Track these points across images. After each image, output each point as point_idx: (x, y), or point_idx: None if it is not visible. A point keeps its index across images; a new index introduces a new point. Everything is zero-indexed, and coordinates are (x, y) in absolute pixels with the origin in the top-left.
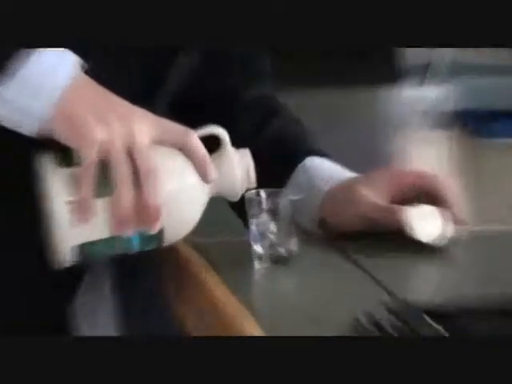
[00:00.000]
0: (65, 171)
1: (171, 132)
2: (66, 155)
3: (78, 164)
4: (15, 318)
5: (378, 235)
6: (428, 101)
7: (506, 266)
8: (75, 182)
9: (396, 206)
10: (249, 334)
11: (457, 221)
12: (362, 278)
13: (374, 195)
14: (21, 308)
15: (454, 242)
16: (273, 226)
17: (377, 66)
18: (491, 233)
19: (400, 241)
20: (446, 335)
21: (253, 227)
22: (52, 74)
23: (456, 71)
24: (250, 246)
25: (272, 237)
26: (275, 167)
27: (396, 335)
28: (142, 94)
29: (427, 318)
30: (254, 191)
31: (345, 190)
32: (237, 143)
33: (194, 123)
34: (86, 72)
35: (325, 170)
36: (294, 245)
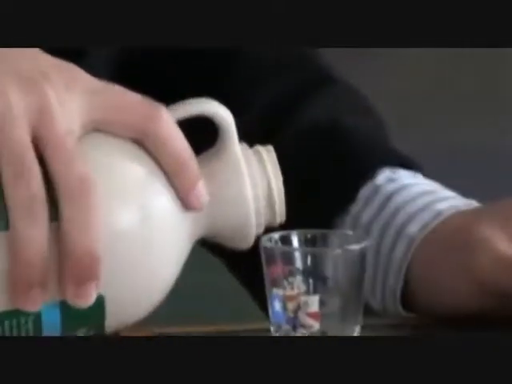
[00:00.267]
0: None
1: (125, 109)
2: None
3: None
4: None
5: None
6: None
7: None
8: None
9: None
10: None
11: None
12: None
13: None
14: None
15: None
16: (315, 302)
17: None
18: None
19: None
20: None
21: (275, 303)
22: None
23: None
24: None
25: (313, 323)
26: (322, 185)
27: None
28: None
29: None
30: (277, 235)
31: (456, 235)
32: (249, 137)
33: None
34: None
35: (417, 196)
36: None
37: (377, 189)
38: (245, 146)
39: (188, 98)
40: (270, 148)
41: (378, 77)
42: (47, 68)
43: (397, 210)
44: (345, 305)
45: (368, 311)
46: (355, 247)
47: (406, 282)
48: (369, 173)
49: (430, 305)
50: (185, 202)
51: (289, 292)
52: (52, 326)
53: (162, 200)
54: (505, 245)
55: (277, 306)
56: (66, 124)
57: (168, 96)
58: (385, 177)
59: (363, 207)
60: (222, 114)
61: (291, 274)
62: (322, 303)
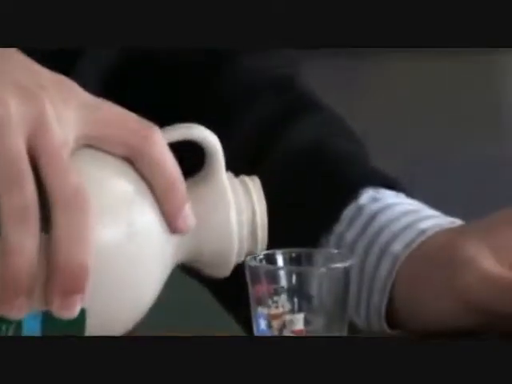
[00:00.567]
0: None
1: (119, 126)
2: None
3: None
4: None
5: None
6: None
7: None
8: None
9: None
10: None
11: None
12: None
13: (496, 262)
14: None
15: None
16: (300, 320)
17: None
18: None
19: None
20: None
21: (261, 321)
22: None
23: None
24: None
25: None
26: (306, 205)
27: None
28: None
29: None
30: (262, 253)
31: (440, 253)
32: (235, 164)
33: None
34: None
35: (401, 215)
36: None
37: (360, 208)
38: (230, 174)
39: (172, 121)
40: (256, 178)
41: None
42: (45, 81)
43: (381, 229)
44: (329, 323)
45: (352, 329)
46: (340, 266)
47: (391, 300)
48: (352, 193)
49: (414, 322)
50: (171, 223)
51: (274, 311)
52: (32, 335)
53: (149, 219)
54: (490, 263)
55: (262, 324)
56: (61, 135)
57: (153, 115)
58: (368, 196)
59: (347, 227)
60: (211, 140)
61: (276, 292)
62: (306, 321)
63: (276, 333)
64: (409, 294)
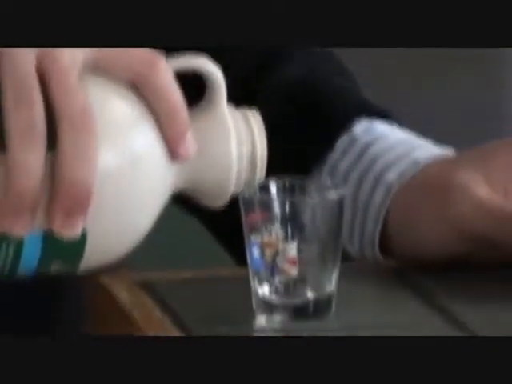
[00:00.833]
0: None
1: (125, 53)
2: None
3: None
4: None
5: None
6: None
7: None
8: None
9: None
10: None
11: None
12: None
13: (490, 190)
14: None
15: None
16: (293, 248)
17: None
18: None
19: None
20: None
21: (254, 250)
22: None
23: None
24: (245, 285)
25: (291, 269)
26: (299, 136)
27: None
28: None
29: None
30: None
31: (434, 182)
32: (236, 97)
33: None
34: None
35: (395, 145)
36: (332, 282)
37: (354, 138)
38: (231, 106)
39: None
40: (256, 112)
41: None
42: None
43: (374, 159)
44: (323, 251)
45: (346, 258)
46: (333, 195)
47: (384, 228)
48: (346, 123)
49: (407, 250)
50: (173, 150)
51: (267, 239)
52: (30, 256)
53: (151, 144)
54: (484, 190)
55: (255, 252)
56: (70, 56)
57: None
58: (362, 127)
59: (341, 157)
60: (214, 71)
61: (269, 221)
62: (300, 250)
63: (269, 261)
64: (403, 223)
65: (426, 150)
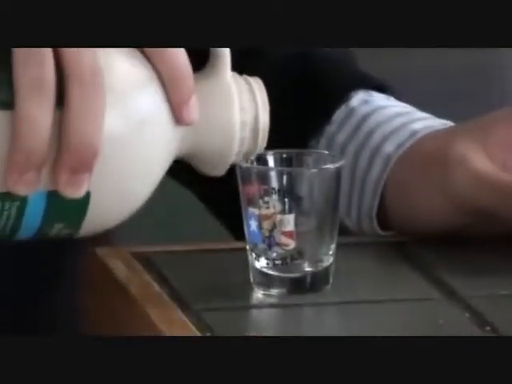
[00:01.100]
0: None
1: None
2: None
3: None
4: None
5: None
6: None
7: None
8: None
9: None
10: None
11: None
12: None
13: (489, 161)
14: None
15: None
16: (290, 221)
17: None
18: None
19: None
20: None
21: (251, 222)
22: None
23: None
24: (243, 258)
25: (288, 242)
26: (297, 107)
27: None
28: None
29: None
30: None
31: (432, 154)
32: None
33: None
34: None
35: (392, 117)
36: (330, 255)
37: (352, 110)
38: (236, 73)
39: None
40: (259, 79)
41: None
42: None
43: (372, 130)
44: (320, 224)
45: (344, 231)
46: (330, 166)
47: (382, 201)
48: (343, 95)
49: (405, 223)
50: (177, 114)
51: (264, 211)
52: (33, 216)
53: (157, 108)
54: (482, 162)
55: (252, 225)
56: None
57: None
58: (359, 99)
59: (338, 128)
60: None
61: (267, 193)
62: (297, 222)
63: (267, 233)
64: (400, 195)
65: (424, 121)
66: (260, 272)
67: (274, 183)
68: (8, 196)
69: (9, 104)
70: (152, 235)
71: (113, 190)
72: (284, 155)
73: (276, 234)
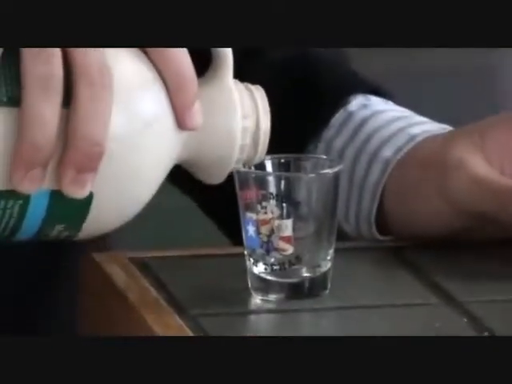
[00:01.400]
0: None
1: None
2: None
3: None
4: None
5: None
6: None
7: None
8: None
9: None
10: None
11: None
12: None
13: (487, 165)
14: None
15: None
16: (288, 226)
17: None
18: None
19: None
20: None
21: (249, 227)
22: None
23: None
24: (241, 263)
25: (286, 247)
26: (295, 112)
27: None
28: None
29: None
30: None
31: (431, 158)
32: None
33: None
34: None
35: (391, 121)
36: (328, 261)
37: (350, 115)
38: (237, 81)
39: None
40: (260, 87)
41: None
42: None
43: (370, 135)
44: (318, 229)
45: (342, 238)
46: (329, 171)
47: (380, 205)
48: (342, 99)
49: (404, 227)
50: (180, 119)
51: (262, 216)
52: (35, 216)
53: (161, 112)
54: (480, 166)
55: (250, 230)
56: None
57: None
58: (358, 103)
59: (336, 133)
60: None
61: (265, 198)
62: (295, 227)
63: (265, 239)
64: (399, 199)
65: (422, 126)
66: (258, 277)
67: (272, 188)
68: (12, 194)
69: (16, 101)
70: (149, 240)
71: (115, 192)
72: (282, 160)
73: (274, 239)
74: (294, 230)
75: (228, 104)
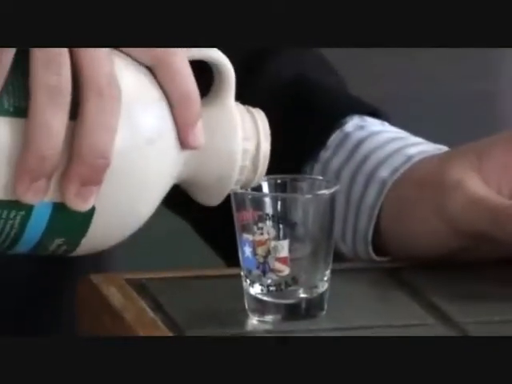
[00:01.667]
0: None
1: None
2: None
3: None
4: None
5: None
6: None
7: None
8: None
9: None
10: None
11: None
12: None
13: (484, 186)
14: None
15: None
16: (285, 247)
17: None
18: None
19: None
20: None
21: (246, 248)
22: None
23: None
24: (237, 284)
25: (283, 268)
26: (291, 133)
27: None
28: None
29: None
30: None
31: (428, 178)
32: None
33: None
34: None
35: (387, 142)
36: (325, 282)
37: (346, 136)
38: (238, 103)
39: None
40: (260, 111)
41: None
42: None
43: (367, 156)
44: (315, 250)
45: (339, 258)
46: (325, 192)
47: (377, 226)
48: (338, 120)
49: (401, 247)
50: (182, 137)
51: (259, 237)
52: (36, 228)
53: (164, 127)
54: (477, 186)
55: (247, 251)
56: None
57: None
58: (354, 124)
59: (333, 154)
60: (226, 64)
61: (261, 219)
62: (292, 248)
63: (261, 260)
64: (396, 220)
65: (419, 146)
66: (254, 298)
67: (269, 209)
68: (14, 204)
69: (22, 111)
70: (146, 262)
71: (115, 208)
72: (278, 181)
73: (270, 260)
74: (290, 250)
75: (229, 125)
